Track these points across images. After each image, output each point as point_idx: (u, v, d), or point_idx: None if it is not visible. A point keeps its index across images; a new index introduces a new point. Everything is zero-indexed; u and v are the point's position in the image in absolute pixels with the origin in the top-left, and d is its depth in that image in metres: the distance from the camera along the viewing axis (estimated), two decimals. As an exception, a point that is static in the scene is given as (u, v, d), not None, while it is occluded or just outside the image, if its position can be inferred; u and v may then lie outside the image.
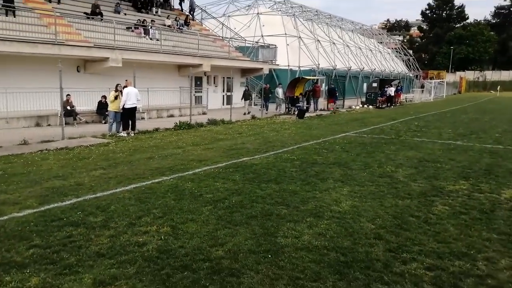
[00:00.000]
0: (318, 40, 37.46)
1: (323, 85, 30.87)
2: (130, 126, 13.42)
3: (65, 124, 13.29)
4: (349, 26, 51.05)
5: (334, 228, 4.88)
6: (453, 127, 16.20)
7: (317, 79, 28.17)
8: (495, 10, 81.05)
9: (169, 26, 24.02)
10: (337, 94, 26.71)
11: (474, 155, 9.94)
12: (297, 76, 27.50)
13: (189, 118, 16.24)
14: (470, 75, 70.15)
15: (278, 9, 38.69)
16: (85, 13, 19.86)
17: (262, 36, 33.26)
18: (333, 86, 27.67)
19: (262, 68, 27.15)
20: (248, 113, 21.26)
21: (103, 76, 17.78)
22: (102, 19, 19.65)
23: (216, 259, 3.98)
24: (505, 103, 35.67)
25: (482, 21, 79.96)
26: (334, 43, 41.20)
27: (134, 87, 13.78)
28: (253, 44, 29.98)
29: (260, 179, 7.25)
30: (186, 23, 26.38)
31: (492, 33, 74.50)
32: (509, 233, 4.78)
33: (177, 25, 24.84)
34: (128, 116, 13.34)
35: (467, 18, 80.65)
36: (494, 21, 79.98)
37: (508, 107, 29.67)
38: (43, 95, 14.84)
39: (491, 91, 60.50)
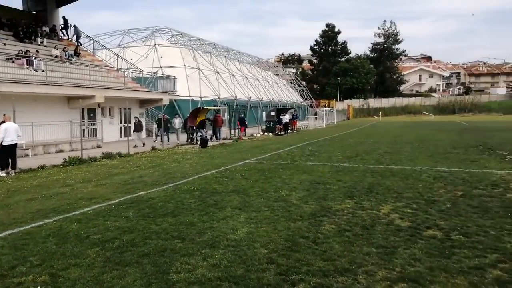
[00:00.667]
0: (218, 72, 38.44)
1: (225, 114, 31.53)
2: (10, 165, 12.04)
3: None
4: (247, 59, 53.50)
5: (228, 257, 4.88)
6: (342, 150, 17.67)
7: (219, 109, 28.70)
8: (372, 46, 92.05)
9: (56, 56, 22.49)
10: (246, 123, 28.82)
11: (358, 175, 10.91)
12: (198, 106, 27.67)
13: (80, 152, 15.14)
14: (356, 103, 77.94)
15: (176, 42, 38.93)
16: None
17: (161, 67, 33.03)
18: (242, 116, 29.59)
19: (161, 99, 26.82)
20: (143, 145, 20.44)
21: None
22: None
23: (101, 305, 3.68)
24: (386, 127, 40.21)
25: (363, 56, 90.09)
26: (233, 74, 42.67)
27: (14, 122, 12.48)
28: (151, 75, 29.53)
29: (156, 213, 7.00)
30: (76, 53, 25.05)
31: (371, 66, 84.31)
32: (386, 246, 5.27)
33: (65, 55, 23.39)
34: (7, 154, 11.97)
35: (350, 53, 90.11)
36: (372, 56, 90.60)
37: (388, 131, 33.46)
38: None
39: (375, 117, 67.86)
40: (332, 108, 57.89)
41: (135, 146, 19.99)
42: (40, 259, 4.84)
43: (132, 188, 9.42)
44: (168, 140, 22.80)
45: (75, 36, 27.76)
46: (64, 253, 5.04)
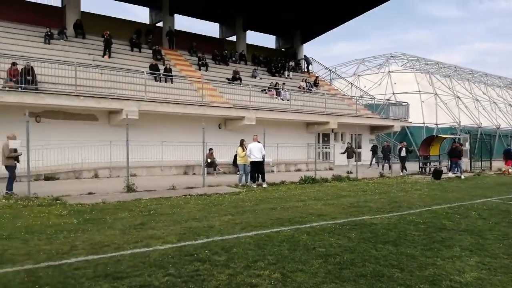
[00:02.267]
0: (458, 97, 35.01)
1: (466, 144, 28.29)
2: (260, 178, 14.49)
3: (207, 173, 15.16)
4: (496, 82, 46.44)
5: (451, 297, 4.58)
6: None
7: (458, 138, 26.06)
8: None
9: (299, 87, 25.68)
10: None
11: None
12: (433, 134, 25.95)
13: (314, 173, 16.73)
14: None
15: (412, 67, 37.78)
16: (227, 78, 22.79)
17: (394, 93, 32.73)
18: (509, 147, 24.99)
19: (392, 126, 26.54)
20: (349, 172, 19.36)
21: (239, 133, 19.79)
22: (241, 84, 22.24)
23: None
24: None
25: None
26: (477, 99, 37.89)
27: (264, 142, 15.04)
28: (383, 101, 29.67)
29: (377, 239, 7.15)
30: (316, 84, 27.83)
31: None
32: None
33: (306, 86, 26.37)
34: (254, 169, 14.49)
35: None
36: None
37: None
38: (190, 148, 17.17)
39: None
40: None
41: (350, 172, 19.33)
42: (275, 259, 5.79)
43: (356, 211, 9.83)
44: (389, 169, 21.83)
45: (309, 66, 31.14)
46: (293, 258, 5.86)
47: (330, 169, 21.67)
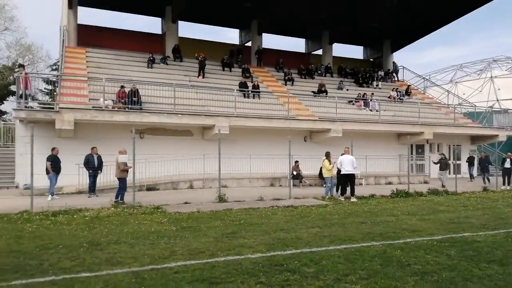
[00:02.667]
0: None
1: None
2: (349, 192, 14.17)
3: (293, 185, 15.30)
4: None
5: None
6: None
7: None
8: None
9: (389, 97, 24.69)
10: None
11: None
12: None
13: (407, 186, 15.88)
14: None
15: (519, 70, 34.05)
16: (313, 91, 22.85)
17: (498, 100, 29.75)
18: None
19: (497, 135, 24.09)
20: (442, 186, 17.70)
21: (325, 145, 19.62)
22: (326, 96, 22.13)
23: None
24: None
25: None
26: None
27: (352, 154, 14.72)
28: (485, 109, 27.12)
29: (480, 258, 6.56)
30: (408, 93, 26.51)
31: None
32: None
33: (397, 95, 25.27)
34: (343, 181, 14.20)
35: None
36: None
37: None
38: (276, 161, 17.49)
39: None
40: None
41: (443, 185, 17.65)
42: (367, 274, 5.65)
43: (456, 227, 9.11)
44: (485, 181, 19.74)
45: (397, 74, 29.76)
46: (386, 274, 5.65)
47: (425, 182, 20.32)
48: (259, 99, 20.83)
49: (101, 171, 14.13)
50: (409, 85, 28.79)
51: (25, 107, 14.95)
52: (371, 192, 15.08)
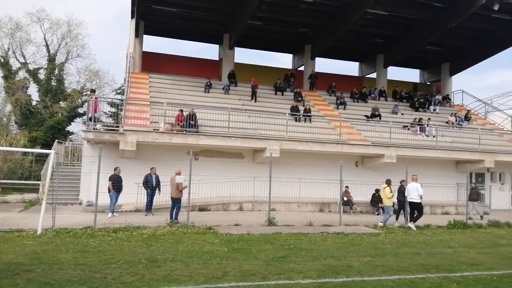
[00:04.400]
0: None
1: None
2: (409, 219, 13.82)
3: (343, 212, 15.10)
4: None
5: None
6: None
7: None
8: None
9: (447, 122, 23.79)
10: None
11: None
12: None
13: (465, 217, 15.09)
14: None
15: None
16: (365, 116, 22.60)
17: None
18: None
19: None
20: (480, 218, 16.69)
21: (378, 171, 19.23)
22: (380, 120, 21.76)
23: None
24: None
25: None
26: None
27: (406, 182, 14.35)
28: (557, 136, 25.19)
29: (547, 298, 6.16)
30: (467, 118, 25.40)
31: None
32: None
33: (456, 120, 24.28)
34: (411, 209, 13.96)
35: None
36: None
37: None
38: (326, 186, 17.36)
39: None
40: None
41: (470, 218, 15.81)
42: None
43: (520, 263, 8.57)
44: None
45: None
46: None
47: (485, 213, 19.08)
48: (310, 123, 20.94)
49: (159, 190, 14.87)
50: (468, 110, 27.53)
51: (93, 129, 16.22)
52: (427, 222, 14.50)
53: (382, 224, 13.81)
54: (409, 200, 13.90)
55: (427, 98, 27.83)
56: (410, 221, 13.71)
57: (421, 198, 13.86)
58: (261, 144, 17.62)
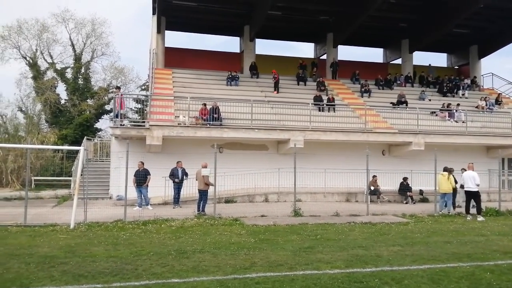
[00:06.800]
0: None
1: None
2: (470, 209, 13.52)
3: (370, 201, 14.91)
4: None
5: None
6: None
7: None
8: None
9: (477, 107, 23.00)
10: None
11: None
12: None
13: (498, 204, 14.61)
14: None
15: None
16: (391, 103, 22.09)
17: None
18: None
19: None
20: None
21: (405, 159, 18.84)
22: (406, 107, 21.24)
23: None
24: None
25: None
26: None
27: (435, 169, 14.03)
28: None
29: None
30: (498, 102, 24.44)
31: None
32: None
33: (486, 105, 23.42)
34: (467, 199, 13.65)
35: None
36: None
37: None
38: (352, 175, 17.14)
39: None
40: None
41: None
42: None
43: (558, 251, 8.24)
44: None
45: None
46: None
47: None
48: (334, 112, 20.67)
49: (186, 177, 15.08)
50: (499, 94, 26.46)
51: (120, 125, 16.58)
52: (457, 210, 14.14)
53: (448, 212, 13.98)
54: (465, 189, 13.64)
55: (455, 82, 26.94)
56: (477, 214, 13.27)
57: (478, 186, 13.49)
58: (285, 135, 17.56)
